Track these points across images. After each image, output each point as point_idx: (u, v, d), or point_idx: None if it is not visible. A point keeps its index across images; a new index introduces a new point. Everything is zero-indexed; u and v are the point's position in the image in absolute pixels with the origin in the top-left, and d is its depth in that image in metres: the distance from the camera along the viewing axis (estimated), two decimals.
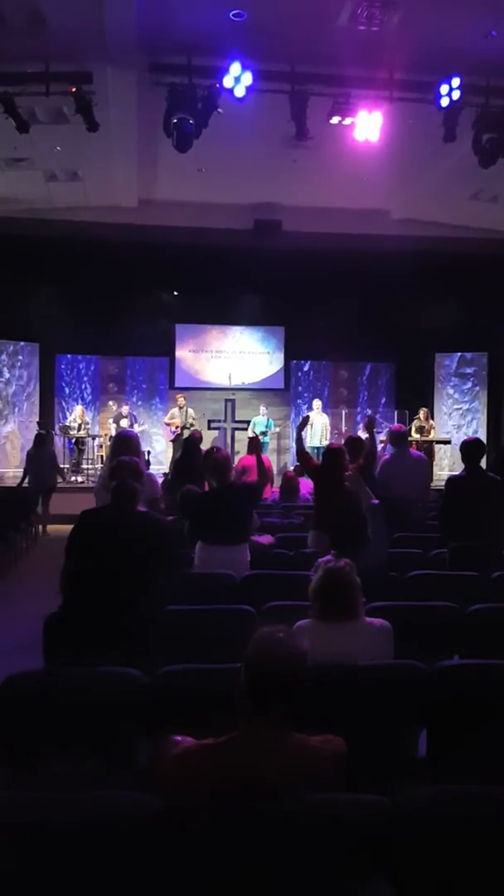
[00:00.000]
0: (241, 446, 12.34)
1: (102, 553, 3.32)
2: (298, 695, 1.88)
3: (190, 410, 13.38)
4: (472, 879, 1.77)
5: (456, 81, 8.03)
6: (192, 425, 13.10)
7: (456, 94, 8.12)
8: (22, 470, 11.40)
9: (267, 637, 1.93)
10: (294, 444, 14.70)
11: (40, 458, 10.83)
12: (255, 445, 8.11)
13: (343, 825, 1.76)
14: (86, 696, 2.60)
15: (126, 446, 4.67)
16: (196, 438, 8.96)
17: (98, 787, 2.08)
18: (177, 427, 13.07)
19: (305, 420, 6.35)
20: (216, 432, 14.18)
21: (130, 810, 1.74)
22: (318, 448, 13.14)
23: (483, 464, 5.57)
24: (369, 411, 14.94)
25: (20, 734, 2.57)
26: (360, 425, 13.91)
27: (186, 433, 12.29)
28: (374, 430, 6.56)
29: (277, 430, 14.37)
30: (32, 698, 2.60)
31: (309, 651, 2.80)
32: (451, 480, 5.63)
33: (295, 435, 6.28)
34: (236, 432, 13.75)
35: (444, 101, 8.19)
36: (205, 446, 9.49)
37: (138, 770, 2.47)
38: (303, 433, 6.17)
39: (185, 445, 8.09)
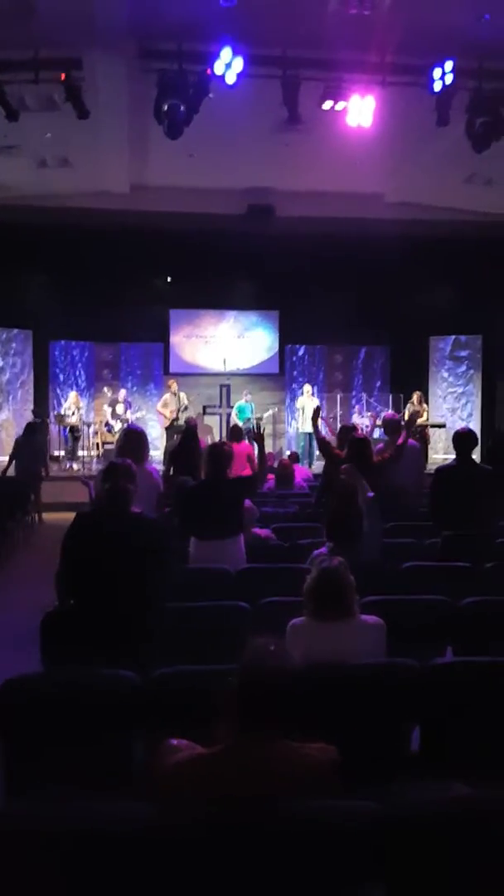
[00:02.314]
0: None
1: (97, 555, 3.34)
2: (289, 705, 1.92)
3: (182, 395, 13.36)
4: (467, 883, 1.81)
5: (449, 65, 7.96)
6: (185, 409, 13.10)
7: (449, 78, 8.04)
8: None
9: (258, 650, 1.96)
10: (289, 431, 14.84)
11: (28, 446, 10.72)
12: (240, 433, 8.13)
13: (337, 832, 1.80)
14: (82, 699, 2.63)
15: (134, 442, 4.71)
16: (193, 426, 8.98)
17: (95, 792, 2.13)
18: (171, 413, 13.06)
19: (317, 412, 6.34)
20: (213, 417, 14.19)
21: (128, 822, 1.77)
22: (309, 434, 13.17)
23: (477, 452, 5.61)
24: (364, 395, 14.98)
25: (18, 737, 2.61)
26: (361, 412, 13.91)
27: (183, 417, 12.30)
28: (319, 419, 6.48)
29: (269, 413, 14.30)
30: (29, 701, 2.64)
31: (304, 650, 2.86)
32: (440, 470, 5.66)
33: (311, 429, 6.26)
34: (231, 417, 13.76)
35: (437, 86, 8.12)
36: (200, 432, 9.54)
37: (135, 774, 2.51)
38: (317, 423, 6.19)
39: (183, 435, 8.10)
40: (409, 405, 13.59)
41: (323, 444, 6.13)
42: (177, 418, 12.89)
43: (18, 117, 8.35)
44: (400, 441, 6.06)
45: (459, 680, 2.88)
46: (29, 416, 13.19)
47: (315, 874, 1.79)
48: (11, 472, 10.59)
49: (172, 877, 1.76)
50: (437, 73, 8.06)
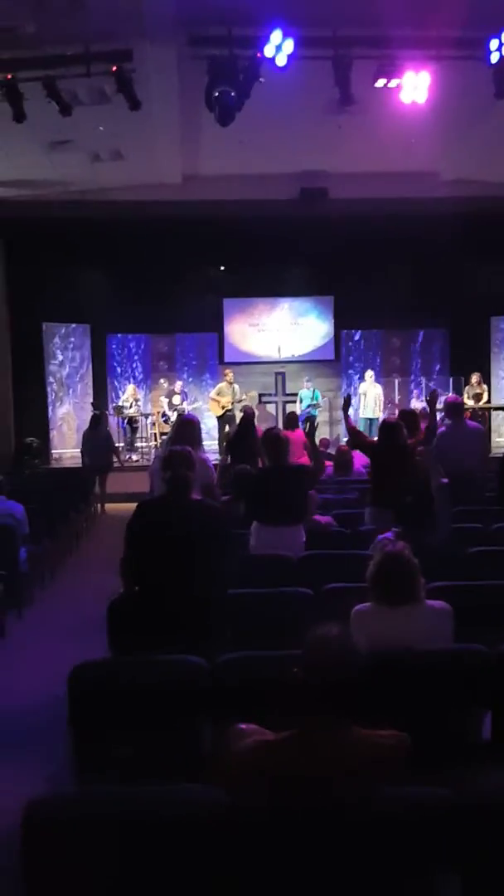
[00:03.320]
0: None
1: (160, 542, 3.36)
2: (356, 691, 1.89)
3: (236, 387, 13.34)
4: None
5: None
6: (241, 401, 13.10)
7: None
8: (79, 451, 11.61)
9: (322, 636, 1.94)
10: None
11: (95, 438, 11.04)
12: (296, 420, 8.10)
13: (409, 820, 1.77)
14: (150, 685, 2.66)
15: (188, 431, 4.73)
16: (250, 415, 8.97)
17: (165, 776, 2.14)
18: (226, 403, 13.09)
19: (347, 401, 6.29)
20: (271, 406, 14.16)
21: (198, 806, 1.77)
22: (371, 420, 13.04)
23: None
24: (423, 379, 14.72)
25: (87, 723, 2.65)
26: (420, 397, 13.71)
27: (237, 408, 12.31)
28: (436, 404, 6.42)
29: (324, 399, 14.22)
30: (98, 688, 2.67)
31: (369, 636, 2.83)
32: None
33: (342, 415, 6.25)
34: (287, 405, 13.71)
35: (494, 57, 7.85)
36: (259, 421, 9.54)
37: (203, 759, 2.52)
38: (348, 412, 6.14)
39: (240, 424, 8.10)
40: (467, 387, 13.32)
41: (352, 432, 6.11)
42: (230, 409, 12.91)
43: (72, 112, 8.43)
44: (424, 425, 5.98)
45: None
46: (88, 409, 13.43)
47: (386, 862, 1.77)
48: (75, 463, 10.90)
49: (242, 861, 1.75)
50: (493, 44, 7.79)
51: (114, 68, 7.97)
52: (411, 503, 4.43)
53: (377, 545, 3.58)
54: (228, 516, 4.34)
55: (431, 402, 6.41)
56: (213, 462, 8.47)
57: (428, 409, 6.43)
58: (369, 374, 13.98)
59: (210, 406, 13.57)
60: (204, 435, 11.82)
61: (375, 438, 6.02)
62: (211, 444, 12.53)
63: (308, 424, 12.92)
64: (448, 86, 8.42)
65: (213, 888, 1.76)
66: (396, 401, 13.99)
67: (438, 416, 9.24)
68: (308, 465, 5.57)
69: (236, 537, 4.69)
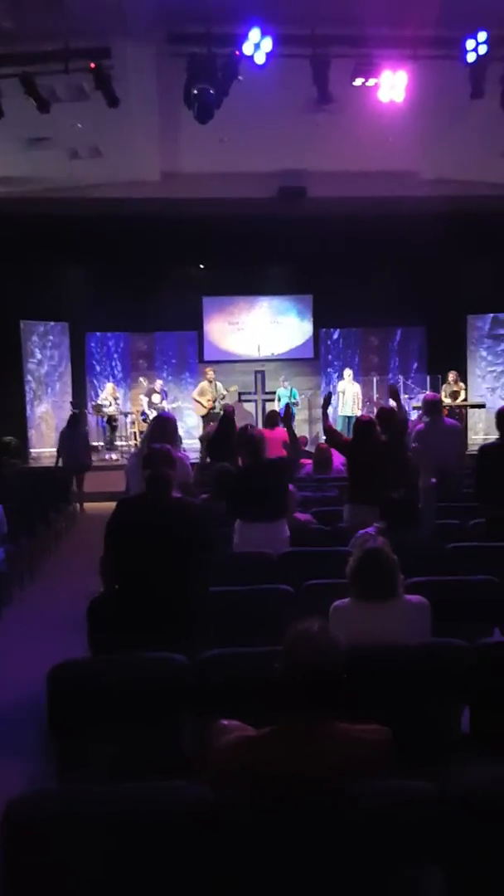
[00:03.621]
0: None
1: (140, 541, 3.36)
2: (337, 686, 1.90)
3: (219, 384, 13.36)
4: None
5: (482, 36, 7.76)
6: (223, 398, 13.11)
7: (483, 49, 7.84)
8: (56, 450, 11.55)
9: (302, 631, 1.95)
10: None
11: (72, 438, 10.98)
12: (275, 419, 8.13)
13: (391, 814, 1.79)
14: (131, 682, 2.65)
15: (164, 430, 4.71)
16: (230, 414, 8.96)
17: (146, 773, 2.15)
18: (209, 402, 13.09)
19: (327, 399, 6.34)
20: (250, 405, 14.17)
21: (179, 803, 1.78)
22: (350, 417, 13.09)
23: None
24: (401, 377, 14.80)
25: (67, 722, 2.64)
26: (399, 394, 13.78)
27: (219, 406, 12.31)
28: (399, 398, 6.54)
29: (302, 397, 14.27)
30: (79, 686, 2.66)
31: (348, 632, 2.84)
32: (484, 449, 5.58)
33: (321, 413, 6.31)
34: (266, 404, 13.73)
35: (471, 57, 7.93)
36: (238, 419, 9.53)
37: (184, 756, 2.52)
38: (328, 410, 6.18)
39: (220, 422, 8.09)
40: (445, 385, 13.42)
41: (329, 432, 6.21)
42: (214, 407, 12.90)
43: (50, 108, 8.37)
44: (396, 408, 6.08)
45: None
46: (67, 408, 13.36)
47: (369, 855, 1.78)
48: (60, 464, 10.83)
49: (226, 858, 1.76)
50: (470, 44, 7.87)
51: (92, 65, 7.93)
52: (398, 499, 4.48)
53: (357, 540, 3.61)
54: (209, 514, 4.33)
55: (394, 395, 6.67)
56: (194, 460, 8.48)
57: (395, 404, 6.56)
58: (347, 372, 14.05)
59: (194, 407, 13.57)
60: (184, 434, 11.85)
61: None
62: (192, 442, 12.51)
63: (286, 413, 12.95)
64: (425, 85, 8.48)
65: (197, 885, 1.77)
66: (375, 399, 14.05)
67: (416, 413, 9.33)
68: (284, 457, 5.60)
69: (218, 535, 4.70)
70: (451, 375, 13.49)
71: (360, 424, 5.89)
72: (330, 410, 6.60)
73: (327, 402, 6.30)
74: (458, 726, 2.85)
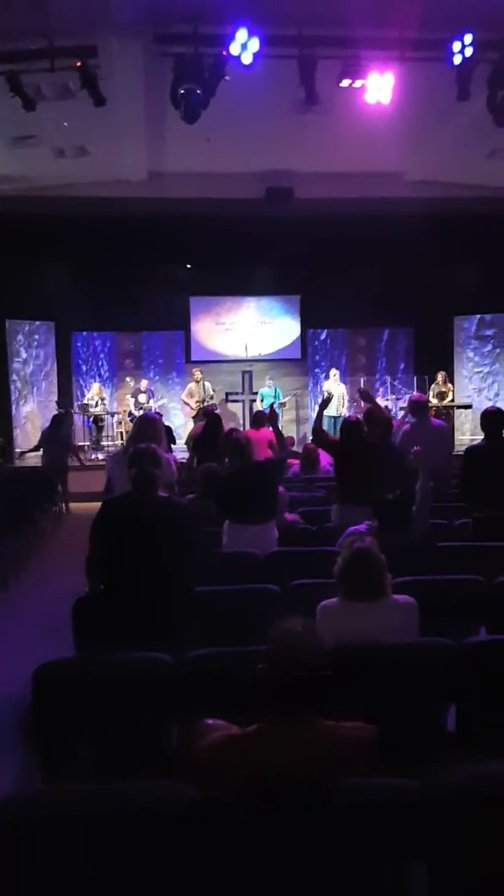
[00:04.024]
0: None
1: (126, 540, 3.34)
2: (322, 685, 1.90)
3: (207, 384, 13.35)
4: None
5: (468, 38, 7.78)
6: (212, 398, 13.10)
7: (469, 51, 7.87)
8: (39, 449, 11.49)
9: (286, 630, 1.95)
10: (313, 416, 14.76)
11: (52, 437, 10.92)
12: (262, 419, 8.15)
13: (377, 811, 1.79)
14: (117, 682, 2.64)
15: (149, 430, 4.69)
16: (215, 414, 8.97)
17: (132, 773, 2.13)
18: (197, 403, 13.07)
19: (327, 401, 6.37)
20: (237, 405, 14.16)
21: (164, 802, 1.77)
22: (335, 418, 13.11)
23: None
24: (388, 378, 14.85)
25: (53, 721, 2.62)
26: (384, 395, 13.84)
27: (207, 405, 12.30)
28: (371, 398, 6.56)
29: (290, 397, 14.29)
30: (64, 685, 2.65)
31: (336, 631, 2.85)
32: (470, 450, 5.61)
33: (316, 413, 6.33)
34: (254, 404, 13.73)
35: (457, 59, 7.96)
36: (223, 419, 9.53)
37: (170, 755, 2.51)
38: (323, 413, 6.21)
39: (206, 423, 8.09)
40: (433, 386, 13.48)
41: (317, 432, 6.25)
42: (203, 408, 12.89)
43: (35, 107, 8.33)
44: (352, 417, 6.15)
45: (494, 658, 2.85)
46: (53, 408, 13.29)
47: (354, 853, 1.78)
48: (39, 462, 10.77)
49: (211, 856, 1.75)
50: (456, 46, 7.89)
51: (78, 64, 7.90)
52: (392, 500, 4.50)
53: (345, 540, 3.61)
54: (195, 513, 4.33)
55: (364, 397, 6.73)
56: (181, 460, 8.46)
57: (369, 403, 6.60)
58: (333, 372, 14.06)
59: (184, 409, 13.54)
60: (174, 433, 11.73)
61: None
62: (179, 441, 12.48)
63: (271, 413, 12.96)
64: (412, 87, 8.51)
65: (183, 884, 1.76)
66: (357, 399, 14.07)
67: (401, 413, 9.36)
68: (272, 457, 5.60)
69: (205, 535, 4.70)
70: (440, 376, 13.55)
71: (347, 425, 5.91)
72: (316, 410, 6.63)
73: (326, 403, 6.33)
74: (445, 725, 2.86)
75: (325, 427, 13.30)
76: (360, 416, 6.31)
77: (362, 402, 6.91)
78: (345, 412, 13.14)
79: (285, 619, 2.01)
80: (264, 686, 1.93)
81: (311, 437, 10.94)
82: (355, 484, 5.36)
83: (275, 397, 13.60)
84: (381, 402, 13.21)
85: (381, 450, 5.67)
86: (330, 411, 13.44)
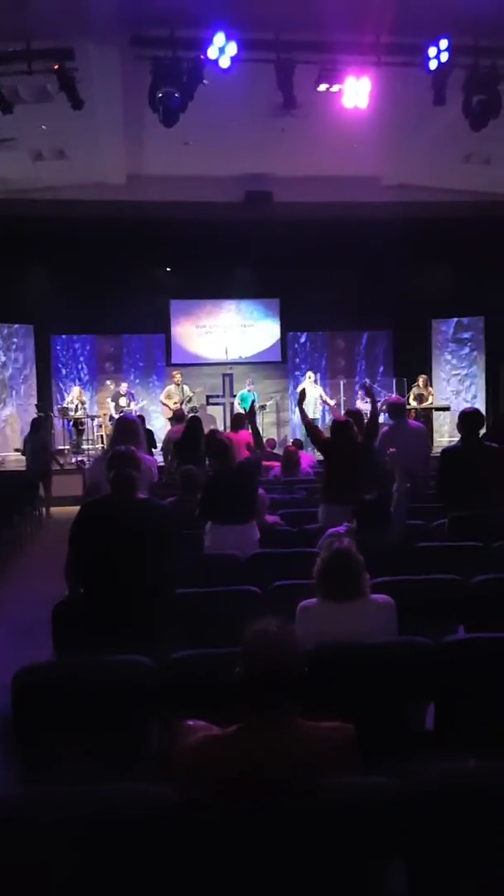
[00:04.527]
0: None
1: (106, 542, 3.34)
2: (298, 684, 1.91)
3: (185, 387, 13.34)
4: (487, 857, 1.81)
5: (444, 43, 7.87)
6: (189, 401, 13.08)
7: (444, 56, 7.96)
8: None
9: (260, 630, 1.95)
10: (293, 418, 14.82)
11: (33, 442, 10.92)
12: (241, 421, 8.16)
13: (357, 810, 1.80)
14: (97, 685, 2.64)
15: (128, 432, 4.68)
16: (195, 417, 8.96)
17: (113, 776, 2.14)
18: (175, 405, 13.04)
19: (303, 395, 6.37)
20: (217, 408, 14.15)
21: (144, 804, 1.78)
22: (312, 419, 13.13)
23: (482, 432, 5.58)
24: (367, 380, 14.92)
25: (34, 726, 2.62)
26: (359, 394, 13.90)
27: (187, 409, 12.27)
28: (374, 396, 6.57)
29: (271, 401, 14.30)
30: (44, 689, 2.64)
31: (315, 631, 2.86)
32: (446, 451, 5.66)
33: (297, 410, 6.36)
34: (234, 407, 13.73)
35: (433, 64, 8.04)
36: (203, 421, 9.52)
37: (152, 756, 2.52)
38: (303, 406, 6.21)
39: (188, 427, 8.08)
40: (413, 388, 13.56)
41: (309, 427, 6.24)
42: (181, 410, 12.86)
43: (13, 109, 8.30)
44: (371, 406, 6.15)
45: (472, 656, 2.88)
46: (32, 411, 13.22)
47: (334, 852, 1.79)
48: (21, 466, 10.78)
49: (193, 858, 1.76)
50: (431, 51, 7.98)
51: (56, 66, 7.88)
52: (370, 501, 4.54)
53: (325, 540, 3.63)
54: (175, 514, 4.33)
55: (368, 394, 6.70)
56: (161, 463, 8.44)
57: (369, 402, 6.60)
58: (309, 374, 14.04)
59: (162, 410, 13.51)
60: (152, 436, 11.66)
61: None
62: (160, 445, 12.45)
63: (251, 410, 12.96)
64: (389, 92, 8.58)
65: (165, 885, 1.77)
66: (342, 402, 14.13)
67: (382, 416, 9.41)
68: (249, 458, 5.62)
69: (185, 536, 4.70)
70: (422, 380, 13.64)
71: (337, 425, 5.88)
72: (297, 414, 6.65)
73: (303, 397, 6.34)
74: (423, 723, 2.89)
75: (304, 430, 13.33)
76: (349, 418, 6.30)
77: (366, 400, 6.92)
78: (320, 415, 13.15)
79: (259, 619, 2.02)
80: (242, 687, 1.93)
81: (291, 440, 11.01)
82: (343, 485, 5.36)
83: (253, 400, 13.59)
84: (360, 404, 13.30)
85: (367, 451, 5.69)
86: (309, 413, 13.45)
